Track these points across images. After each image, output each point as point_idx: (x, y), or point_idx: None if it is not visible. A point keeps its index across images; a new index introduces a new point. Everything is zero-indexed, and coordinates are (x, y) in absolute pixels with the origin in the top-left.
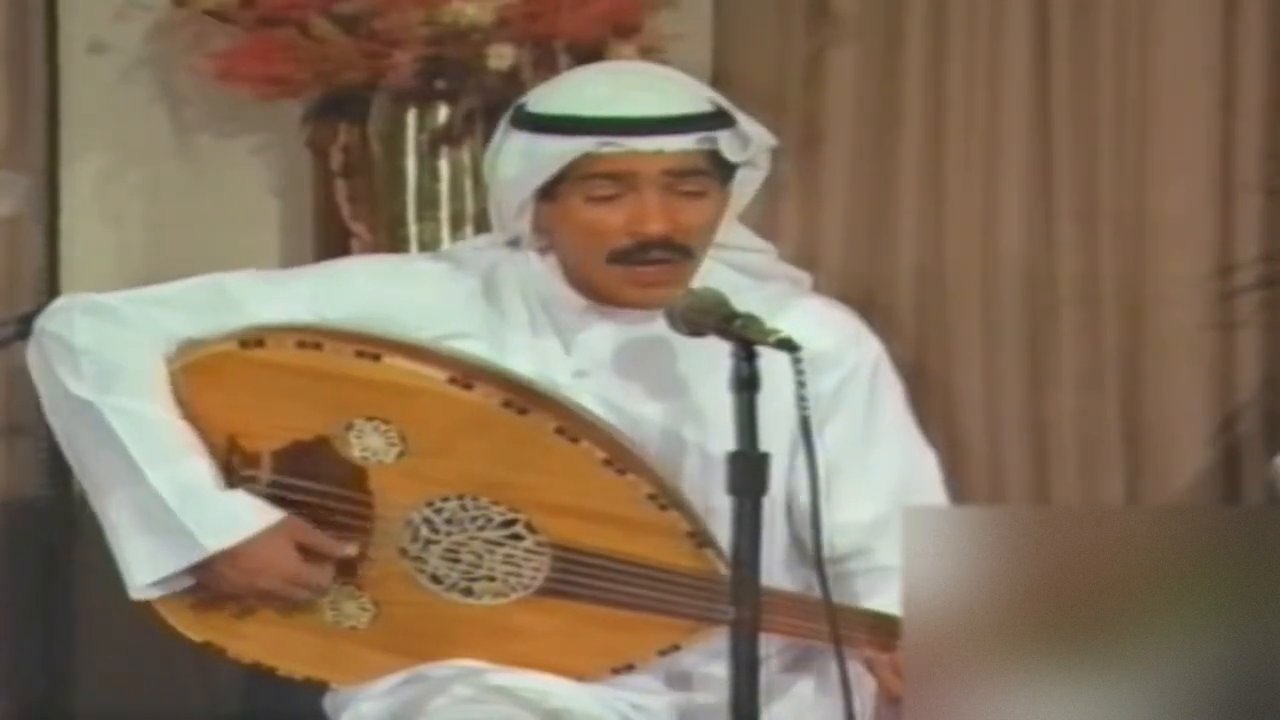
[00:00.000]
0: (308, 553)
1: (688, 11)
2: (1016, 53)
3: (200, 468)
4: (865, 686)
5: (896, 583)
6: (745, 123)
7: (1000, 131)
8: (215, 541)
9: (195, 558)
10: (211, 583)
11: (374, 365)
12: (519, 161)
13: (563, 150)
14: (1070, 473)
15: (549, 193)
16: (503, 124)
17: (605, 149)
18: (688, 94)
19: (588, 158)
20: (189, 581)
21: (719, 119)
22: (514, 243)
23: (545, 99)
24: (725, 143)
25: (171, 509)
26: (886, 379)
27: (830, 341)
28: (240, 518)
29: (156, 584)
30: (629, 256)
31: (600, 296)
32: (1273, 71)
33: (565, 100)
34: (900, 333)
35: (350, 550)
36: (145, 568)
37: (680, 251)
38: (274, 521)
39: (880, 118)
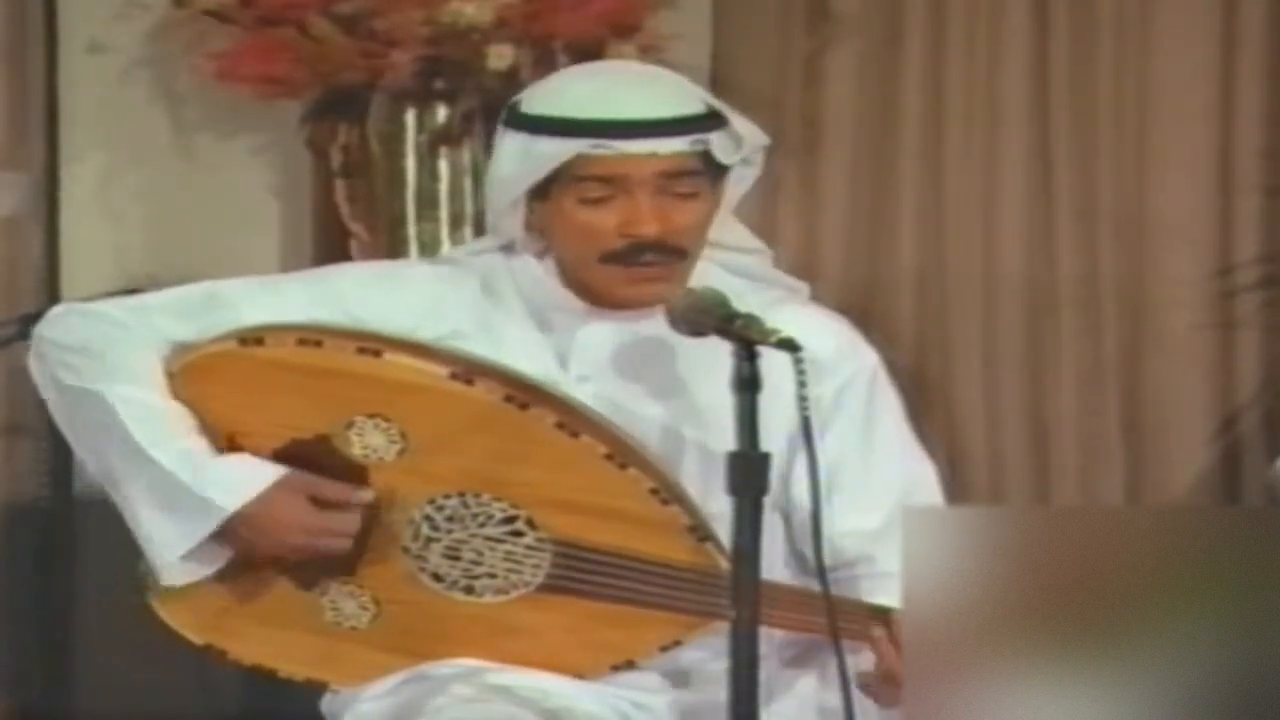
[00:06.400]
0: (322, 503)
1: (688, 11)
2: (1016, 53)
3: (199, 442)
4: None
5: (898, 588)
6: (738, 122)
7: (1000, 132)
8: (232, 499)
9: (217, 520)
10: (243, 554)
11: (375, 362)
12: (513, 162)
13: (555, 152)
14: (1070, 473)
15: (542, 192)
16: (499, 124)
17: (597, 151)
18: (679, 94)
19: (580, 159)
20: (222, 558)
21: (711, 120)
22: (508, 248)
23: (537, 99)
24: (718, 144)
25: (183, 480)
26: (884, 388)
27: (827, 350)
28: (248, 475)
29: (188, 559)
30: (622, 257)
31: (596, 296)
32: (1272, 72)
33: (557, 101)
34: (900, 333)
35: (367, 496)
36: (173, 544)
37: (674, 253)
38: (280, 476)
39: (880, 118)
